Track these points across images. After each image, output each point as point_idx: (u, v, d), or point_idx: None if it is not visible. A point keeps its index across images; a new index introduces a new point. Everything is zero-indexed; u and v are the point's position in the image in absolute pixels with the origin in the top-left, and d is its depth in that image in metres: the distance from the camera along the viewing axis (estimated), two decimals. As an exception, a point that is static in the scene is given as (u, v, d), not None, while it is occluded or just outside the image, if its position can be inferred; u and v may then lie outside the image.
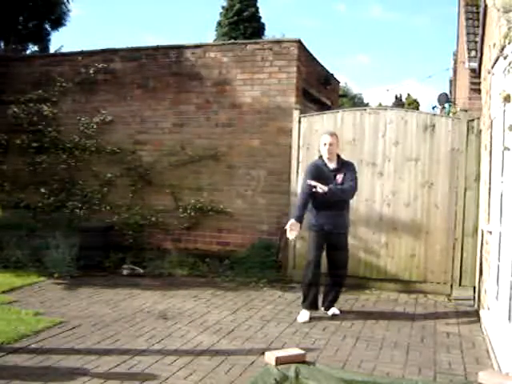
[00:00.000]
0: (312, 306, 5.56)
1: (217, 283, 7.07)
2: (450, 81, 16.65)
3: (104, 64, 8.69)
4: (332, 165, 5.56)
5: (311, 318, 5.44)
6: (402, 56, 73.79)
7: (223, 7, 23.58)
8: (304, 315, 5.47)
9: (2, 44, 12.40)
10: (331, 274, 5.70)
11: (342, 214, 5.57)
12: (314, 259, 5.53)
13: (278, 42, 8.21)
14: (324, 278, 5.74)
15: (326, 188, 5.35)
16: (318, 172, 5.52)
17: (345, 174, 5.51)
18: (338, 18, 68.25)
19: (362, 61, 66.18)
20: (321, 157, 5.67)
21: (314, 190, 5.39)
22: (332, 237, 5.52)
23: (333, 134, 5.63)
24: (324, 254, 5.66)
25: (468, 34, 8.38)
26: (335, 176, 5.50)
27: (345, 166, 5.60)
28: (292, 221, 5.34)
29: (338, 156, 5.67)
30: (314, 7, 69.56)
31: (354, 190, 5.55)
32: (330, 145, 5.51)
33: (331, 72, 10.16)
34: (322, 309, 5.69)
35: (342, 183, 5.47)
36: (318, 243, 5.55)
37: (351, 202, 5.80)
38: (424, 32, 69.42)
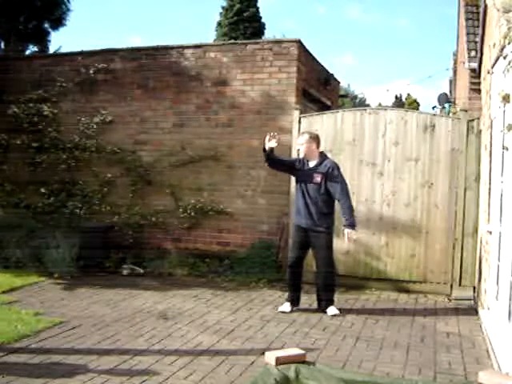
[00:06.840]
0: (292, 302, 5.80)
1: (217, 283, 7.08)
2: (450, 81, 16.64)
3: (104, 64, 8.68)
4: (311, 163, 5.76)
5: (312, 318, 5.45)
6: (389, 56, 73.60)
7: (223, 7, 23.56)
8: (285, 306, 5.75)
9: (2, 44, 12.38)
10: (317, 273, 5.83)
11: (324, 214, 5.64)
12: (291, 258, 5.83)
13: (278, 42, 8.22)
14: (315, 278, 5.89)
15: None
16: (298, 164, 5.80)
17: (325, 176, 5.60)
18: (316, 19, 67.47)
19: (346, 62, 65.40)
20: None
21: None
22: (311, 235, 5.65)
23: (304, 134, 5.90)
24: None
25: (468, 34, 8.38)
26: (312, 174, 5.67)
27: (324, 166, 5.68)
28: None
29: (321, 155, 5.81)
30: (292, 9, 68.92)
31: (349, 194, 5.70)
32: (302, 145, 5.77)
33: (331, 72, 10.16)
34: (324, 312, 5.67)
35: (320, 184, 5.59)
36: (297, 242, 5.78)
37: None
38: (406, 33, 68.98)
